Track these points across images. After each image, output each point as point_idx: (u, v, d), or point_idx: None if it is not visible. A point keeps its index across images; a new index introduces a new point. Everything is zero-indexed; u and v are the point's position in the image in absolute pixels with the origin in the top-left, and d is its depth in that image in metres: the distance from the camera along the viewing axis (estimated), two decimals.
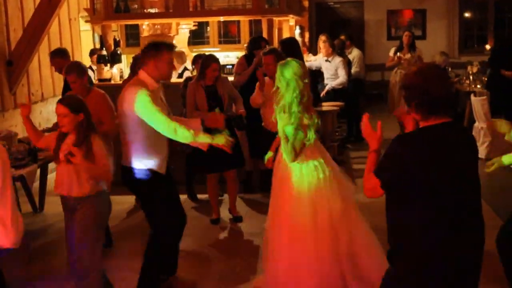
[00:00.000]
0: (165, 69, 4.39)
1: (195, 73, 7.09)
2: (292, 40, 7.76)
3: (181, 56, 8.60)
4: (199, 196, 7.21)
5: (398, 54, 10.14)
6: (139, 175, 4.37)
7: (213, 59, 6.22)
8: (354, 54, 10.62)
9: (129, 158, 4.40)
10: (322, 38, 9.79)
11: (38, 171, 6.54)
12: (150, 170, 4.37)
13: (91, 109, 4.97)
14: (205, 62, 6.16)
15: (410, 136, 2.92)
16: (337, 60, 9.45)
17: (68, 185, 4.05)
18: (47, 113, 8.61)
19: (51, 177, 7.59)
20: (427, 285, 2.85)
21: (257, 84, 6.16)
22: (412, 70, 2.92)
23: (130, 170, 4.40)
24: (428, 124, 2.86)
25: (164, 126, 4.20)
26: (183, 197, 7.11)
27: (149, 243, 4.56)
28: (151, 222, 4.55)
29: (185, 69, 8.38)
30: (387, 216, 2.96)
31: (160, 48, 4.39)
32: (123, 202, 7.00)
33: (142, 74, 4.40)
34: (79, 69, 5.48)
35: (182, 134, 4.20)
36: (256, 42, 7.37)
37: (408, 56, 10.02)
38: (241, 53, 9.12)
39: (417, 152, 2.79)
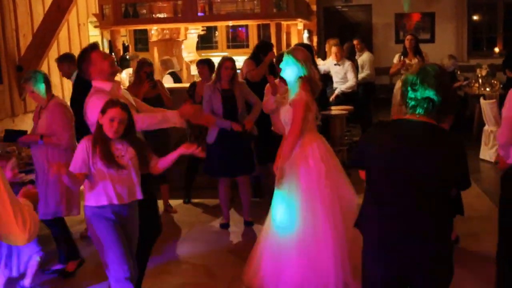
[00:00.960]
0: (104, 66, 4.31)
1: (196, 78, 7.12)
2: (307, 46, 7.75)
3: (166, 63, 8.62)
4: (209, 200, 7.23)
5: (402, 58, 9.27)
6: None
7: (227, 58, 6.32)
8: (364, 57, 10.58)
9: None
10: (332, 41, 9.82)
11: None
12: None
13: (46, 120, 5.10)
14: (220, 62, 6.24)
15: (376, 124, 3.15)
16: (347, 64, 9.47)
17: (133, 189, 3.90)
18: None
19: None
20: (374, 273, 2.97)
21: (266, 88, 6.14)
22: (417, 67, 3.03)
23: None
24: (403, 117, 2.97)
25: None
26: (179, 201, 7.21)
27: None
28: None
29: (172, 73, 8.40)
30: None
31: (85, 54, 4.38)
32: None
33: (95, 82, 4.37)
34: (34, 78, 5.19)
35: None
36: (265, 47, 7.30)
37: (415, 61, 9.07)
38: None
39: (372, 138, 3.01)
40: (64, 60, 6.61)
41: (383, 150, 2.90)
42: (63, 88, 8.89)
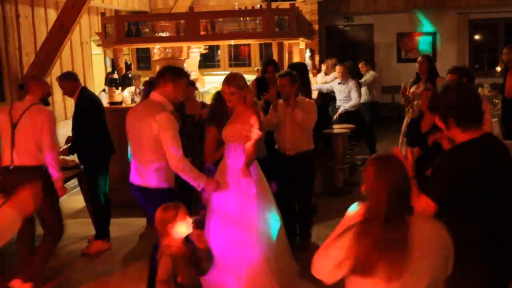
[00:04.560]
0: (180, 94, 4.70)
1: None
2: (300, 64, 7.77)
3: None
4: None
5: (412, 88, 7.51)
6: (157, 194, 4.50)
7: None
8: (368, 76, 10.66)
9: (147, 178, 4.56)
10: (330, 61, 9.98)
11: None
12: (168, 189, 4.58)
13: None
14: None
15: (460, 152, 3.02)
16: (350, 83, 9.52)
17: None
18: (58, 136, 8.57)
19: (63, 199, 7.61)
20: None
21: (271, 107, 6.14)
22: (441, 90, 3.10)
23: (148, 190, 4.57)
24: (469, 137, 2.99)
25: (177, 158, 4.45)
26: None
27: None
28: None
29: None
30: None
31: (181, 74, 4.69)
32: (134, 224, 7.02)
33: (157, 96, 4.60)
34: None
35: (190, 171, 4.52)
36: (265, 66, 7.39)
37: (420, 90, 7.10)
38: (251, 76, 9.17)
39: (468, 164, 2.94)
40: (66, 79, 6.61)
41: (476, 172, 2.95)
42: (66, 106, 8.91)
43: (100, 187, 6.38)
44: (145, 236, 6.73)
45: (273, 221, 4.95)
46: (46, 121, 5.32)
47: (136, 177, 4.63)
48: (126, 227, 7.00)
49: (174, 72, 4.65)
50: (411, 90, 7.49)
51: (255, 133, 4.78)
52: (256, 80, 7.55)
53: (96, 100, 6.69)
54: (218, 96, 5.53)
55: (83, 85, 6.86)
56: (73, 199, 8.14)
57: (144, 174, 4.57)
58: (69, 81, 6.56)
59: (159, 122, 4.43)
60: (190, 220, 3.72)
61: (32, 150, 5.28)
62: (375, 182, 2.48)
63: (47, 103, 5.74)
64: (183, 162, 4.46)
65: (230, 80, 4.86)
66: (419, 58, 7.66)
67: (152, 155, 4.51)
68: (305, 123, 5.86)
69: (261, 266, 4.75)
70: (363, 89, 10.47)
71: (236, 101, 4.82)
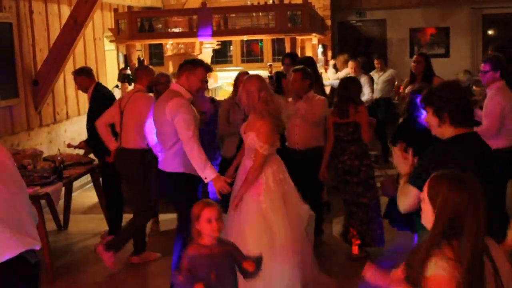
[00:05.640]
0: (195, 83, 4.80)
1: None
2: (309, 59, 7.70)
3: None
4: None
5: (407, 89, 6.92)
6: (179, 179, 4.74)
7: (242, 72, 6.48)
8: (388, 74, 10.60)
9: (169, 162, 4.79)
10: (342, 58, 9.96)
11: (63, 189, 6.58)
12: (189, 174, 4.71)
13: None
14: (237, 77, 6.40)
15: (447, 143, 3.08)
16: (363, 78, 9.49)
17: None
18: (71, 132, 8.68)
19: (76, 195, 7.66)
20: None
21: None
22: (438, 85, 3.20)
23: (168, 174, 4.80)
24: (459, 132, 3.06)
25: (187, 137, 4.57)
26: None
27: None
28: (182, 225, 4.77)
29: None
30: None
31: (197, 64, 4.88)
32: None
33: (175, 85, 4.84)
34: None
35: (197, 154, 4.54)
36: (283, 58, 7.53)
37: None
38: (263, 71, 9.16)
39: (456, 156, 2.98)
40: (81, 74, 6.65)
41: (464, 164, 3.03)
42: (79, 102, 8.95)
43: (112, 182, 6.40)
44: (154, 232, 6.75)
45: (301, 219, 4.84)
46: (145, 106, 5.66)
47: (160, 163, 4.88)
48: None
49: (190, 62, 4.93)
50: (406, 90, 6.89)
51: (263, 148, 4.62)
52: (276, 73, 7.60)
53: (110, 96, 6.71)
54: (345, 81, 5.80)
55: (97, 80, 6.89)
56: (86, 195, 8.18)
57: (166, 159, 4.82)
58: (83, 76, 6.59)
59: (171, 108, 4.63)
60: (215, 225, 3.33)
61: (132, 134, 5.71)
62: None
63: (150, 91, 6.09)
64: (192, 142, 4.55)
65: (254, 80, 4.76)
66: (415, 57, 7.19)
67: (171, 140, 4.73)
68: (308, 116, 5.83)
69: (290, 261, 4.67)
70: (379, 86, 10.42)
71: (250, 101, 4.67)
